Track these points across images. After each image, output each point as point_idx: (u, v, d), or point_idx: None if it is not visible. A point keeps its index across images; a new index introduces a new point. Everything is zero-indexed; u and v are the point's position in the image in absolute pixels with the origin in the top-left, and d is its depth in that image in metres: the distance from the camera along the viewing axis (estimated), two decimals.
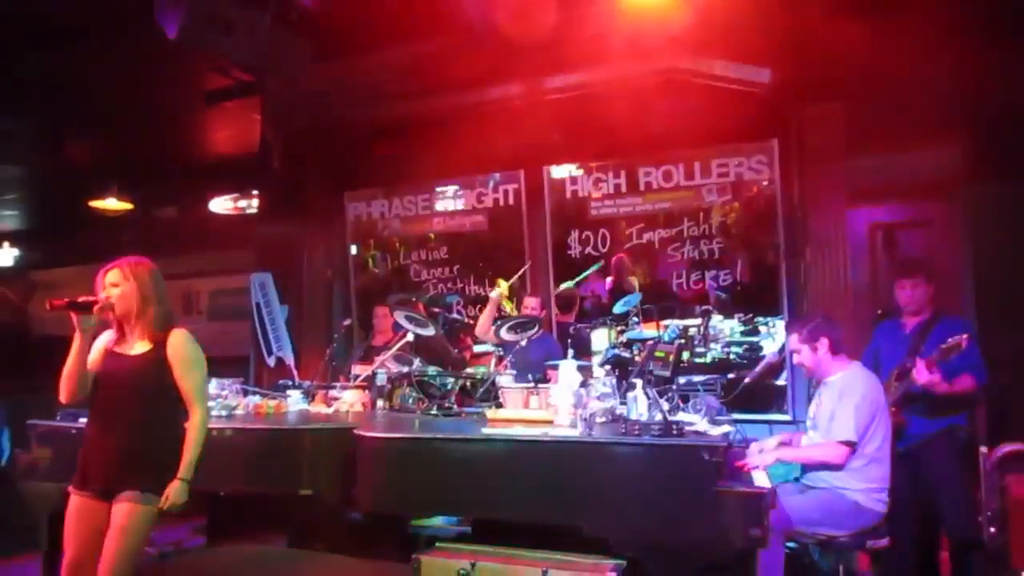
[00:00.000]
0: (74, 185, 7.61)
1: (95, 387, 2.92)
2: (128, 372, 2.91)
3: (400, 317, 5.06)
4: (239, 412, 4.19)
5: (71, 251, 9.85)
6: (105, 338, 2.99)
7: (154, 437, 2.92)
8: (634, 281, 5.93)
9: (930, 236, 5.53)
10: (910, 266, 4.14)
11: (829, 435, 3.38)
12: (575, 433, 3.05)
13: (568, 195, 6.20)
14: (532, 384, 3.93)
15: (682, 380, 4.23)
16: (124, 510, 2.80)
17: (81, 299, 2.83)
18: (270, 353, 6.90)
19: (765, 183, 5.47)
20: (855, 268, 4.99)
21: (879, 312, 4.90)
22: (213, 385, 4.19)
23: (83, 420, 3.90)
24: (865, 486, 3.31)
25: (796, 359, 3.64)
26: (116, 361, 2.93)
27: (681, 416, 3.42)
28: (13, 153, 7.00)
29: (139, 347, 2.95)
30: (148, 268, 3.00)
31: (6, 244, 10.14)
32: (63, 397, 2.89)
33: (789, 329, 3.68)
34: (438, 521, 4.51)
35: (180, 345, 2.95)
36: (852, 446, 3.30)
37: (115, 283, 2.92)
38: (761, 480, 3.19)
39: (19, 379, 8.15)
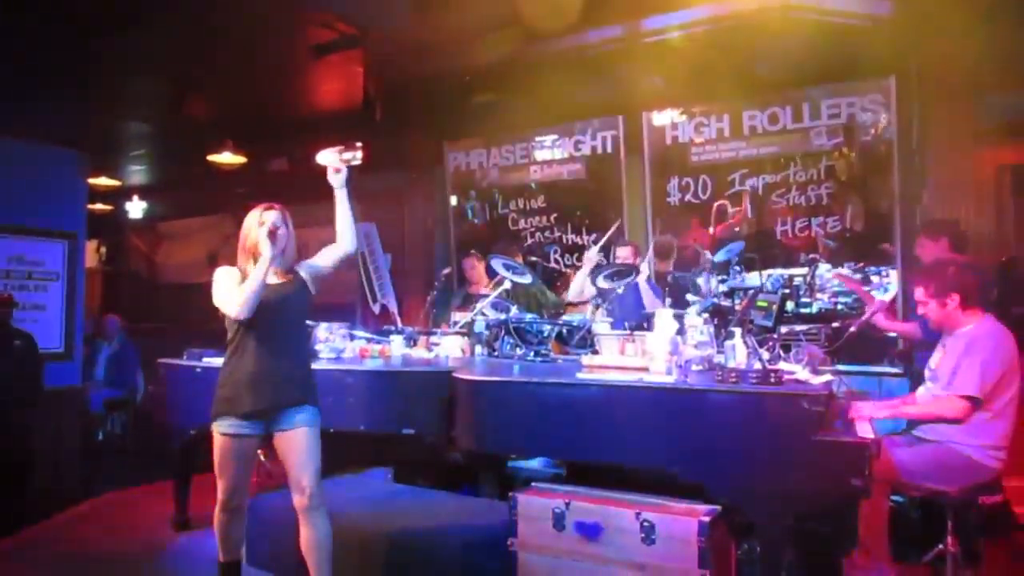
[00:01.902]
0: (193, 141, 8.01)
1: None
2: (286, 300, 3.10)
3: (498, 265, 5.14)
4: (346, 355, 4.41)
5: (193, 203, 10.45)
6: (232, 274, 3.11)
7: (308, 358, 3.26)
8: (735, 229, 5.77)
9: None
10: None
11: (950, 388, 3.22)
12: (670, 380, 3.04)
13: (668, 141, 6.05)
14: (628, 331, 3.93)
15: (784, 330, 4.12)
16: (304, 435, 3.06)
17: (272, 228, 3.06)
18: (375, 300, 7.17)
19: (880, 124, 5.16)
20: (978, 214, 4.67)
21: (1003, 260, 4.57)
22: (322, 329, 4.42)
23: (208, 359, 4.21)
24: (981, 442, 3.16)
25: (921, 310, 3.44)
26: (267, 291, 3.05)
27: (781, 365, 3.35)
28: (141, 111, 7.42)
29: (276, 278, 3.12)
30: None
31: (135, 197, 10.82)
32: (244, 313, 2.97)
33: (917, 281, 3.47)
34: (534, 464, 4.62)
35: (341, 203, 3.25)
36: (974, 402, 3.14)
37: (277, 224, 3.10)
38: (864, 431, 3.09)
39: (149, 322, 8.83)
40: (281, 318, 3.09)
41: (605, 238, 5.51)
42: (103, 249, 11.84)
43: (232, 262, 3.16)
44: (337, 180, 3.20)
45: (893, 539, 3.17)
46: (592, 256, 5.30)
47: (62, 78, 5.77)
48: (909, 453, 3.24)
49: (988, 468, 3.16)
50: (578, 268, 6.49)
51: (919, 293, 3.40)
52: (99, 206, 10.28)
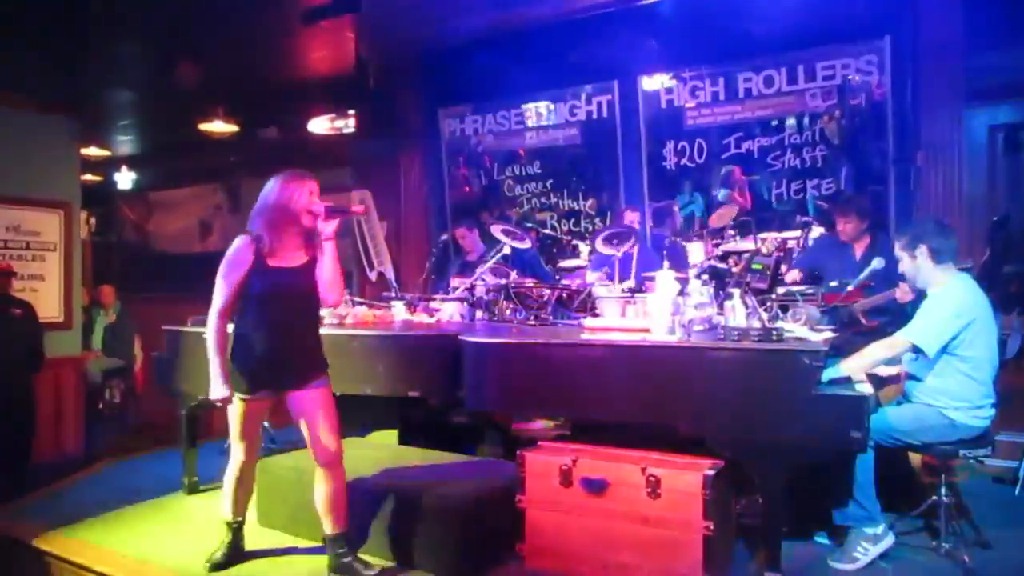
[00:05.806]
0: (183, 109, 7.92)
1: (267, 297, 3.06)
2: (298, 284, 3.10)
3: (497, 231, 5.17)
4: (348, 321, 4.44)
5: (184, 172, 10.37)
6: (241, 258, 3.06)
7: (318, 329, 3.32)
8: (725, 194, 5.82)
9: None
10: None
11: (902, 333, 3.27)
12: (674, 339, 3.11)
13: (663, 105, 6.07)
14: (629, 294, 3.99)
15: (781, 290, 4.19)
16: (321, 395, 3.16)
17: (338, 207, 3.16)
18: (371, 268, 7.18)
19: (874, 85, 5.19)
20: (971, 173, 4.74)
21: (995, 219, 4.65)
22: None
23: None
24: (957, 402, 3.23)
25: (900, 268, 3.50)
26: (287, 274, 3.08)
27: (780, 324, 3.42)
28: (128, 78, 7.32)
29: (296, 259, 3.12)
30: None
31: (125, 167, 10.71)
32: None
33: (897, 236, 3.55)
34: (539, 426, 4.72)
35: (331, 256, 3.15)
36: (915, 350, 3.19)
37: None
38: (863, 387, 3.18)
39: (143, 291, 8.81)
40: (295, 300, 3.12)
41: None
42: (93, 220, 11.74)
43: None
44: (328, 228, 3.11)
45: (887, 492, 3.28)
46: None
47: (49, 40, 5.68)
48: (896, 411, 3.34)
49: (967, 426, 3.24)
50: (576, 233, 6.56)
51: (896, 248, 3.45)
52: (89, 177, 10.17)
